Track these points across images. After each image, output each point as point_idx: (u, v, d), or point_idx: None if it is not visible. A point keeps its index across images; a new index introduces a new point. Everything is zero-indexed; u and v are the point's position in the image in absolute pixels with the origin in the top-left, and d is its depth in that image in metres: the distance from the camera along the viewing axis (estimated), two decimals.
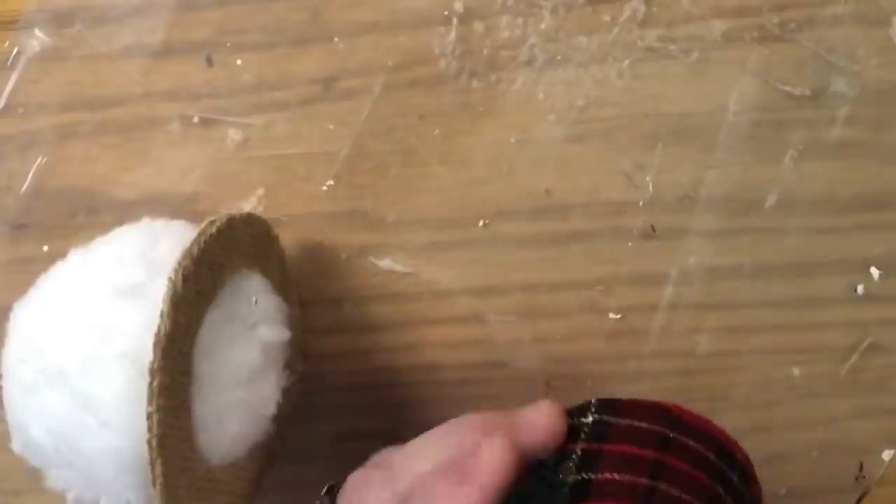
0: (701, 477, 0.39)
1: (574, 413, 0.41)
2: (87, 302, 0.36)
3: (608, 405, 0.41)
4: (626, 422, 0.40)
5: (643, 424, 0.40)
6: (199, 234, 0.37)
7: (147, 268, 0.37)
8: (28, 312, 0.38)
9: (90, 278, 0.37)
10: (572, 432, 0.39)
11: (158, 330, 0.34)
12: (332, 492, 0.41)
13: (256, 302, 0.40)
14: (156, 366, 0.34)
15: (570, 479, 0.38)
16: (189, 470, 0.36)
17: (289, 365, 0.42)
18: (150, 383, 0.34)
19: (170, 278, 0.35)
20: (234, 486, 0.40)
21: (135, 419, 0.34)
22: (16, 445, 0.38)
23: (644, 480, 0.38)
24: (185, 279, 0.35)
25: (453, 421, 0.38)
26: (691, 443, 0.40)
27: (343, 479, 0.40)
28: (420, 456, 0.37)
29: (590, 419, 0.40)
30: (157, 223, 0.40)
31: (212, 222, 0.38)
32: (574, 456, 0.39)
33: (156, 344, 0.34)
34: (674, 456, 0.39)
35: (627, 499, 0.37)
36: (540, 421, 0.38)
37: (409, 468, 0.37)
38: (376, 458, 0.40)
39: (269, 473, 0.43)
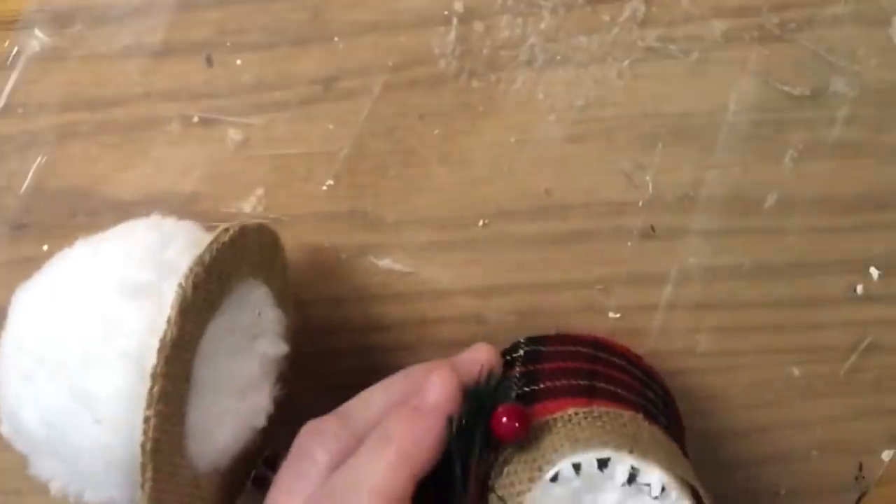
0: (631, 382, 0.43)
1: (506, 353, 0.44)
2: (93, 296, 0.36)
3: (536, 340, 0.45)
4: (555, 348, 0.44)
5: (571, 348, 0.44)
6: (212, 242, 0.37)
7: (157, 268, 0.37)
8: (32, 299, 0.38)
9: (98, 272, 0.37)
10: (507, 366, 0.43)
11: (164, 335, 0.34)
12: (272, 459, 0.42)
13: (260, 314, 0.40)
14: (158, 371, 0.34)
15: (513, 394, 0.41)
16: (177, 475, 0.36)
17: (281, 378, 0.42)
18: (151, 388, 0.34)
19: (180, 285, 0.35)
20: (216, 495, 0.40)
21: (130, 419, 0.34)
22: (4, 429, 0.38)
23: (582, 382, 0.41)
24: (195, 286, 0.35)
25: (399, 373, 0.41)
26: (616, 360, 0.44)
27: (281, 449, 0.41)
28: (372, 400, 0.39)
29: (521, 352, 0.44)
30: (168, 222, 0.40)
31: (225, 230, 0.37)
32: (514, 377, 0.42)
33: (160, 349, 0.34)
34: (604, 367, 0.43)
35: (572, 395, 0.40)
36: (478, 357, 0.41)
37: (363, 411, 0.39)
38: (310, 423, 0.41)
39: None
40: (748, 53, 0.45)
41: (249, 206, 0.46)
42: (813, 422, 0.49)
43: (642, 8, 0.45)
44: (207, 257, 0.36)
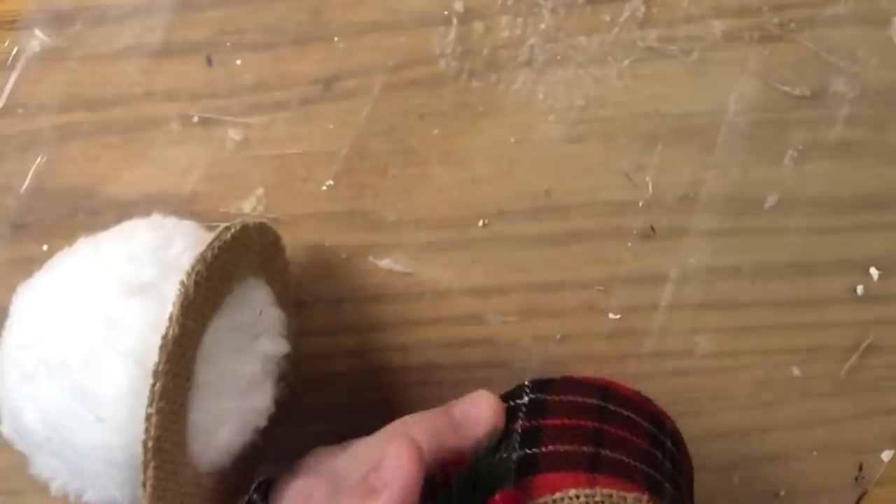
0: (640, 443, 0.41)
1: (509, 397, 0.42)
2: (95, 295, 0.36)
3: (542, 385, 0.42)
4: (561, 398, 0.41)
5: (578, 398, 0.41)
6: (214, 240, 0.37)
7: (158, 267, 0.37)
8: (33, 298, 0.38)
9: (100, 272, 0.37)
10: (510, 414, 0.40)
11: (166, 333, 0.34)
12: (263, 488, 0.41)
13: (261, 313, 0.40)
14: (160, 368, 0.34)
15: (515, 455, 0.38)
16: (178, 474, 0.36)
17: (283, 377, 0.42)
18: (153, 386, 0.34)
19: (182, 282, 0.35)
20: (217, 493, 0.40)
21: (131, 418, 0.34)
22: (4, 428, 0.38)
23: (588, 448, 0.39)
24: (197, 284, 0.35)
25: (396, 423, 0.39)
26: (625, 412, 0.41)
27: (277, 476, 0.40)
28: (362, 457, 0.38)
29: (525, 399, 0.41)
30: (169, 221, 0.40)
31: (227, 228, 0.37)
32: (515, 434, 0.39)
33: (162, 347, 0.34)
34: (612, 425, 0.40)
35: (575, 466, 0.38)
36: (480, 414, 0.39)
37: (353, 470, 0.37)
38: (310, 460, 0.40)
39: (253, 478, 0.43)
40: (748, 53, 0.45)
41: (249, 206, 0.46)
42: (813, 422, 0.49)
43: (642, 8, 0.45)
44: (209, 255, 0.36)
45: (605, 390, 0.42)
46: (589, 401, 0.41)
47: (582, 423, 0.40)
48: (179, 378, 0.35)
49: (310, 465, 0.40)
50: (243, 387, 0.40)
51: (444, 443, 0.37)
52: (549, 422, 0.40)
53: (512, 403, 0.41)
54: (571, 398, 0.41)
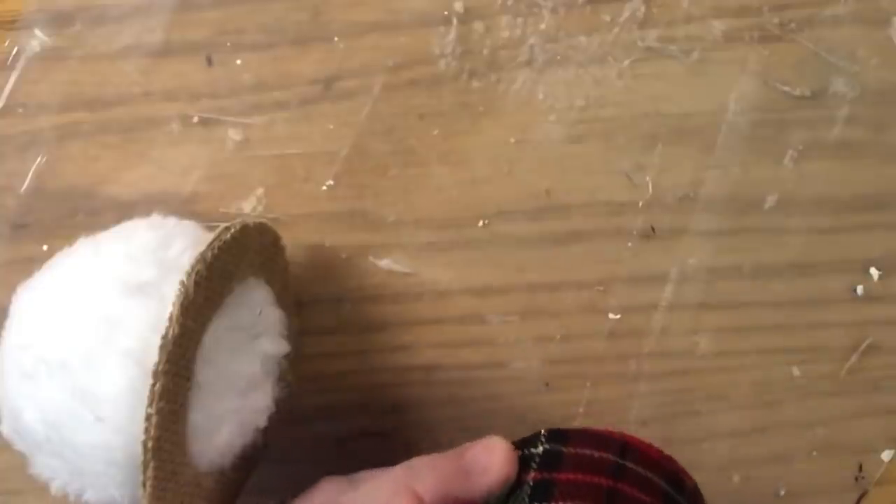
0: None
1: (523, 445, 0.40)
2: (94, 295, 0.36)
3: (558, 435, 0.40)
4: (576, 451, 0.40)
5: (595, 453, 0.40)
6: (214, 240, 0.36)
7: (158, 267, 0.36)
8: (33, 298, 0.38)
9: (100, 271, 0.37)
10: (522, 463, 0.39)
11: (166, 333, 0.34)
12: None
13: (261, 313, 0.40)
14: (160, 368, 0.34)
15: None
16: (178, 474, 0.36)
17: (283, 377, 0.42)
18: (153, 386, 0.34)
19: (182, 282, 0.35)
20: (217, 493, 0.40)
21: (131, 418, 0.34)
22: (4, 428, 0.38)
23: None
24: (197, 284, 0.35)
25: (403, 467, 0.38)
26: (642, 471, 0.40)
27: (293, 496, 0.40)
28: (379, 493, 0.37)
29: (540, 449, 0.40)
30: (169, 221, 0.40)
31: (227, 228, 0.37)
32: (526, 486, 0.38)
33: (162, 347, 0.34)
34: (627, 483, 0.39)
35: None
36: (492, 463, 0.38)
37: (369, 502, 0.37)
38: (317, 494, 0.40)
39: (260, 476, 0.43)
40: (748, 53, 0.45)
41: (249, 206, 0.46)
42: (813, 422, 0.49)
43: (642, 8, 0.45)
44: (209, 255, 0.36)
45: (623, 446, 0.41)
46: (606, 456, 0.40)
47: (596, 480, 0.39)
48: (179, 378, 0.35)
49: (317, 500, 0.40)
50: (243, 387, 0.39)
51: (452, 490, 0.37)
52: (563, 476, 0.39)
53: (526, 452, 0.40)
54: (588, 452, 0.40)
